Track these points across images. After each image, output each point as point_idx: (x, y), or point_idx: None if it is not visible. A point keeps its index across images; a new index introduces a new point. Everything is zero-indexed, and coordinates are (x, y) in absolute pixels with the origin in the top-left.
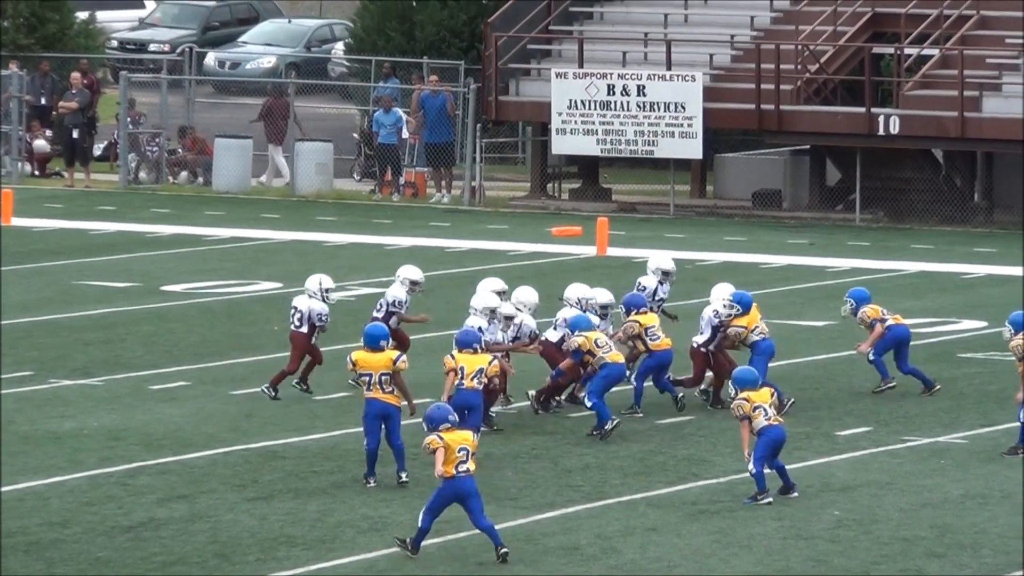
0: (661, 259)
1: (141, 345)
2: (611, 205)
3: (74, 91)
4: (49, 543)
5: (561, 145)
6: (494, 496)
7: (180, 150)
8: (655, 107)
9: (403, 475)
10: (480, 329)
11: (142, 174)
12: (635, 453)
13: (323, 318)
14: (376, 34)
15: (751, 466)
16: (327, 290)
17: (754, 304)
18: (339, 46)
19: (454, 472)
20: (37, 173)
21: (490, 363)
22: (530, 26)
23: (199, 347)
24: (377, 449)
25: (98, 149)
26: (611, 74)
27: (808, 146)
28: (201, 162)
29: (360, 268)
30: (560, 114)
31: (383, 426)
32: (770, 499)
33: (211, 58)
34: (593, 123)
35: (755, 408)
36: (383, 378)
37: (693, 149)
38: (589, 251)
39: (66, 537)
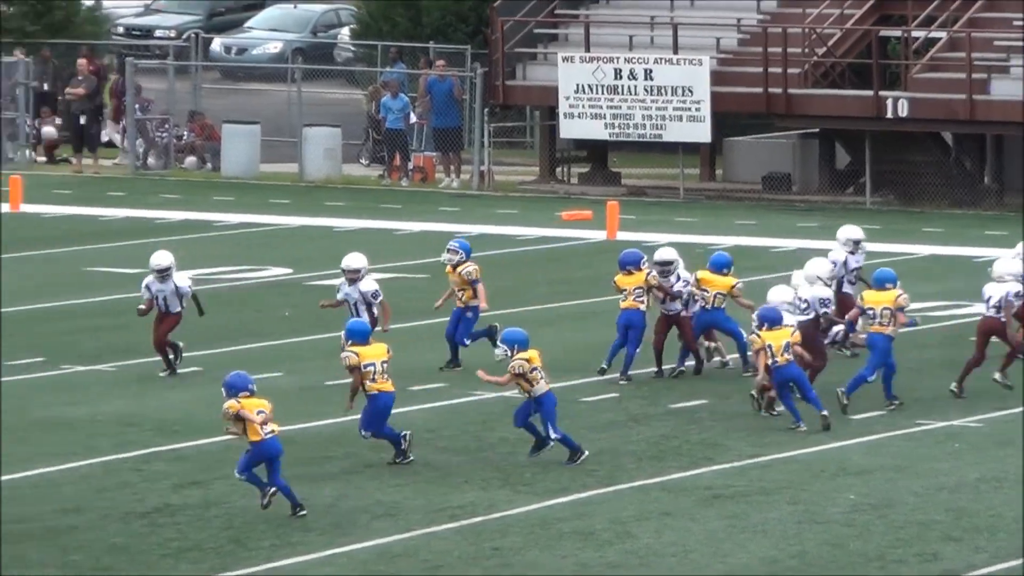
0: (850, 230)
1: (152, 331)
2: (621, 189)
3: (80, 77)
4: (63, 530)
5: (569, 129)
6: (508, 481)
7: (187, 134)
8: (662, 91)
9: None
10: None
11: (150, 160)
12: (648, 438)
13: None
14: (382, 19)
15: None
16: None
17: None
18: (345, 31)
19: (261, 435)
20: (45, 159)
21: (792, 333)
22: (536, 10)
23: (209, 333)
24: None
25: (105, 136)
26: (618, 58)
27: (817, 129)
28: (209, 147)
29: (370, 253)
30: (567, 98)
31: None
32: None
33: (217, 44)
34: (601, 107)
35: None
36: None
37: (701, 133)
38: (599, 235)
39: (80, 524)
